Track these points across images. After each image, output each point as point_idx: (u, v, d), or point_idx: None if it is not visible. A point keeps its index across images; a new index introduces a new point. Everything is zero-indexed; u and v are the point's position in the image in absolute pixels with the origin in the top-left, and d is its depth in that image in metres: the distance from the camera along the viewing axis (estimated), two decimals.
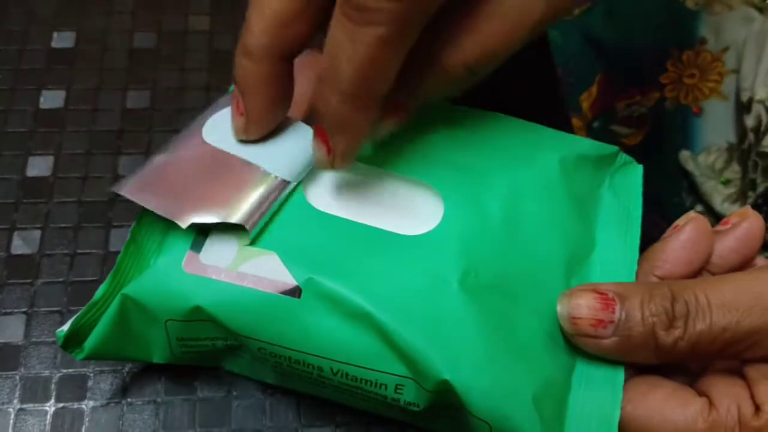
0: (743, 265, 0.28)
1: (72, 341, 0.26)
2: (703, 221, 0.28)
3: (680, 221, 0.28)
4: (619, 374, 0.26)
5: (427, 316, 0.25)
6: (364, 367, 0.25)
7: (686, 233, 0.27)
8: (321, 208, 0.27)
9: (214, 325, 0.26)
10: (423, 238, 0.26)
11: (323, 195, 0.28)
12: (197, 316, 0.26)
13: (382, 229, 0.26)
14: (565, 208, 0.29)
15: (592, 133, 0.51)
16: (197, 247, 0.26)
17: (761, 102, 0.46)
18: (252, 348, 0.26)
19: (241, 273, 0.26)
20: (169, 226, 0.27)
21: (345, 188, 0.28)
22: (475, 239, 0.27)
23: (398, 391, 0.25)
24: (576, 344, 0.26)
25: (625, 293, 0.25)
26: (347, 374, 0.25)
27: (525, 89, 0.30)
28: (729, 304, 0.24)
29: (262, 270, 0.26)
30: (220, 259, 0.26)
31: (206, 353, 0.28)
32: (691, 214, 0.28)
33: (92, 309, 0.26)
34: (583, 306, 0.25)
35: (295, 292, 0.25)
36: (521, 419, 0.24)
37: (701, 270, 0.28)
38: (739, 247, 0.28)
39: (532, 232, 0.28)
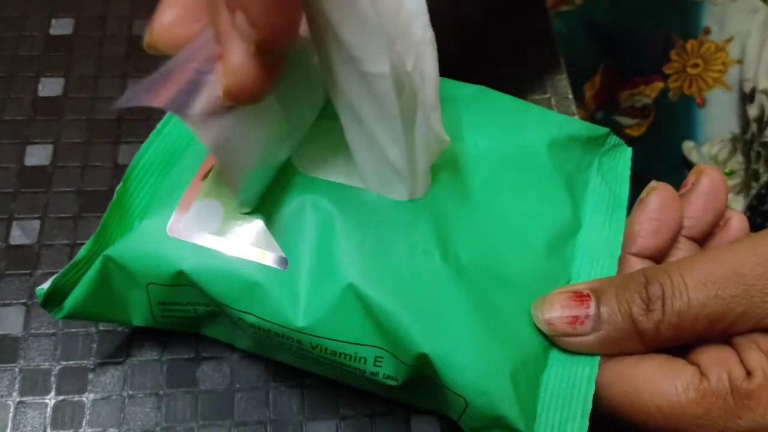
0: (716, 220, 0.28)
1: (52, 300, 0.26)
2: (666, 188, 0.27)
3: (643, 194, 0.28)
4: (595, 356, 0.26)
5: (408, 288, 0.25)
6: (344, 341, 0.25)
7: (650, 204, 0.27)
8: (305, 171, 0.27)
9: (196, 290, 0.26)
10: (407, 207, 0.26)
11: (308, 156, 0.27)
12: (179, 280, 0.25)
13: (367, 194, 0.26)
14: (551, 188, 0.29)
15: (595, 124, 0.51)
16: (184, 209, 0.26)
17: (764, 92, 0.45)
18: (232, 317, 0.26)
19: (225, 239, 0.25)
20: (157, 188, 0.27)
21: (330, 149, 0.27)
22: (459, 214, 0.26)
23: (377, 364, 0.25)
24: (560, 347, 0.26)
25: (599, 287, 0.25)
26: (326, 349, 0.25)
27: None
28: (705, 279, 0.23)
29: (248, 237, 0.25)
30: (206, 224, 0.26)
31: (186, 318, 0.28)
32: (653, 183, 0.28)
33: (74, 268, 0.26)
34: (557, 306, 0.25)
35: (280, 262, 0.25)
36: (498, 396, 0.24)
37: (676, 237, 0.27)
38: (706, 202, 0.27)
39: (516, 210, 0.28)
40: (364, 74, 0.22)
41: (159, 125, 0.29)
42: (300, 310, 0.25)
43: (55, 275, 0.26)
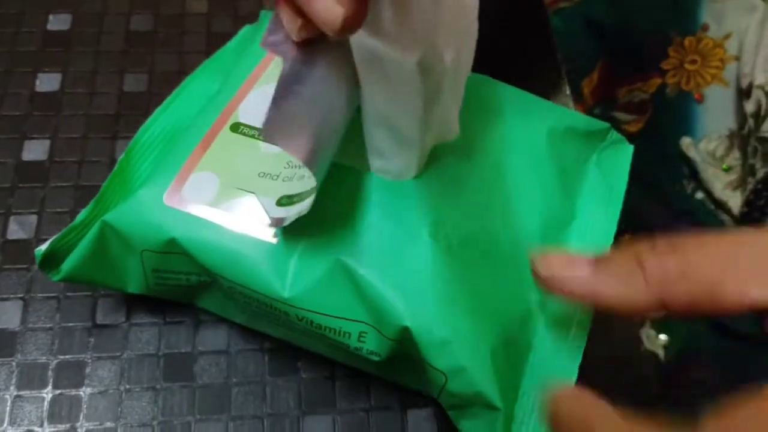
0: None
1: (50, 262, 0.27)
2: None
3: None
4: (582, 338, 0.26)
5: (395, 264, 0.25)
6: (329, 315, 0.25)
7: None
8: None
9: (188, 259, 0.26)
10: (400, 186, 0.26)
11: None
12: (172, 248, 0.26)
13: (364, 174, 0.26)
14: (547, 177, 0.29)
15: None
16: (181, 180, 0.26)
17: (761, 87, 0.45)
18: (223, 286, 0.26)
19: (219, 211, 0.26)
20: (158, 160, 0.27)
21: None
22: (453, 194, 0.27)
23: (361, 339, 0.25)
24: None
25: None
26: (312, 321, 0.25)
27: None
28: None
29: (241, 210, 0.26)
30: (202, 195, 0.26)
31: (180, 287, 0.28)
32: None
33: (72, 232, 0.27)
34: (555, 254, 0.24)
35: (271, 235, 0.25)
36: (476, 372, 0.24)
37: None
38: None
39: (510, 196, 0.28)
40: (393, 61, 0.22)
41: (165, 101, 0.30)
42: (287, 282, 0.25)
43: (54, 237, 0.26)
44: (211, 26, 0.38)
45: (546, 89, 0.38)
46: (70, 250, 0.27)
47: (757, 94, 0.45)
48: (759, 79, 0.46)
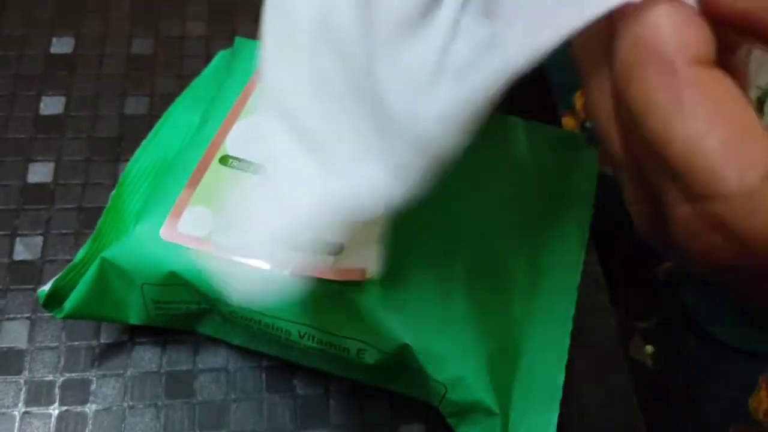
0: None
1: (53, 301, 0.28)
2: None
3: None
4: (566, 339, 0.27)
5: (391, 283, 0.26)
6: (330, 333, 0.26)
7: None
8: None
9: (188, 289, 0.27)
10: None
11: None
12: (172, 280, 0.27)
13: None
14: (525, 186, 0.30)
15: (586, 133, 0.52)
16: (176, 215, 0.27)
17: (751, 101, 0.46)
18: (224, 311, 0.27)
19: (216, 242, 0.27)
20: (149, 193, 0.28)
21: None
22: (441, 212, 0.28)
23: (360, 354, 0.27)
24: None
25: None
26: (314, 337, 0.27)
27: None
28: None
29: (236, 241, 0.27)
30: (197, 229, 0.27)
31: (180, 316, 0.29)
32: None
33: (72, 271, 0.28)
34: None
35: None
36: (474, 381, 0.26)
37: None
38: None
39: (492, 207, 0.29)
40: None
41: (150, 134, 0.31)
42: (287, 303, 0.26)
43: (55, 277, 0.28)
44: (210, 49, 0.39)
45: (535, 102, 0.39)
46: (72, 288, 0.28)
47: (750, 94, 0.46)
48: (752, 93, 0.46)
